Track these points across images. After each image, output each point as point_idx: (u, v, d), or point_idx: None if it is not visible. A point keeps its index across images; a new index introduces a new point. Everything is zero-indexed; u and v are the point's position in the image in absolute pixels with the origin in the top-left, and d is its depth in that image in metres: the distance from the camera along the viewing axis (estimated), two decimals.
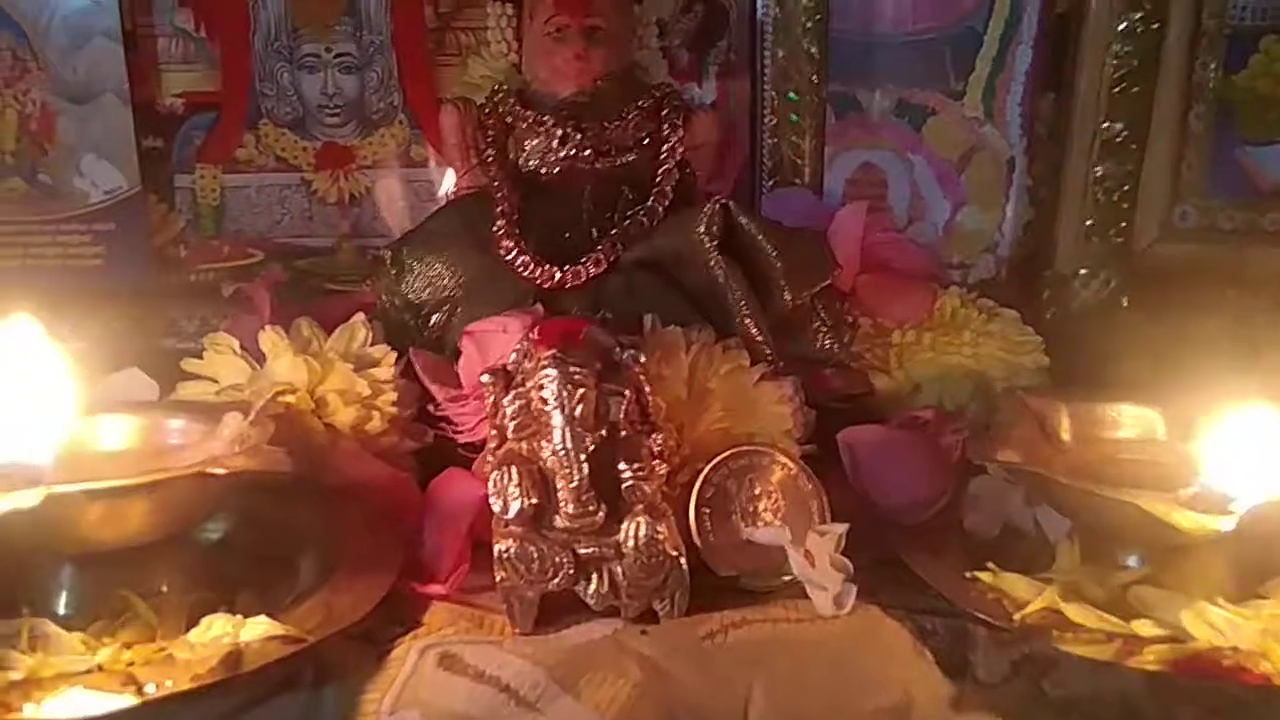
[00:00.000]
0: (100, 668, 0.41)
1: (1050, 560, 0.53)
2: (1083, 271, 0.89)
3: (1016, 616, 0.46)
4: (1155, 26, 0.85)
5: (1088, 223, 0.89)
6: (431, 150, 0.88)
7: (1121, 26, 0.86)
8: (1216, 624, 0.44)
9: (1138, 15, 0.85)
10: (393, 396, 0.59)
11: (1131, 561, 0.49)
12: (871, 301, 0.69)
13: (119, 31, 0.85)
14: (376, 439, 0.59)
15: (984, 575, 0.50)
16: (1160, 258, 0.91)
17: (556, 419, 0.49)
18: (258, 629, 0.43)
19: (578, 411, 0.49)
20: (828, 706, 0.44)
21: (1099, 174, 0.88)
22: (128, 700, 0.40)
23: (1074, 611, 0.46)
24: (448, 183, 0.84)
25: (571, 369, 0.49)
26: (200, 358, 0.63)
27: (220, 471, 0.45)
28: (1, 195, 0.88)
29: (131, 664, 0.42)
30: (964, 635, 0.47)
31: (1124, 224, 0.89)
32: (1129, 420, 0.56)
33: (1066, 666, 0.44)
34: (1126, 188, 0.88)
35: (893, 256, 0.72)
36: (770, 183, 0.88)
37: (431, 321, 0.65)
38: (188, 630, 0.44)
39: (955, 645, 0.47)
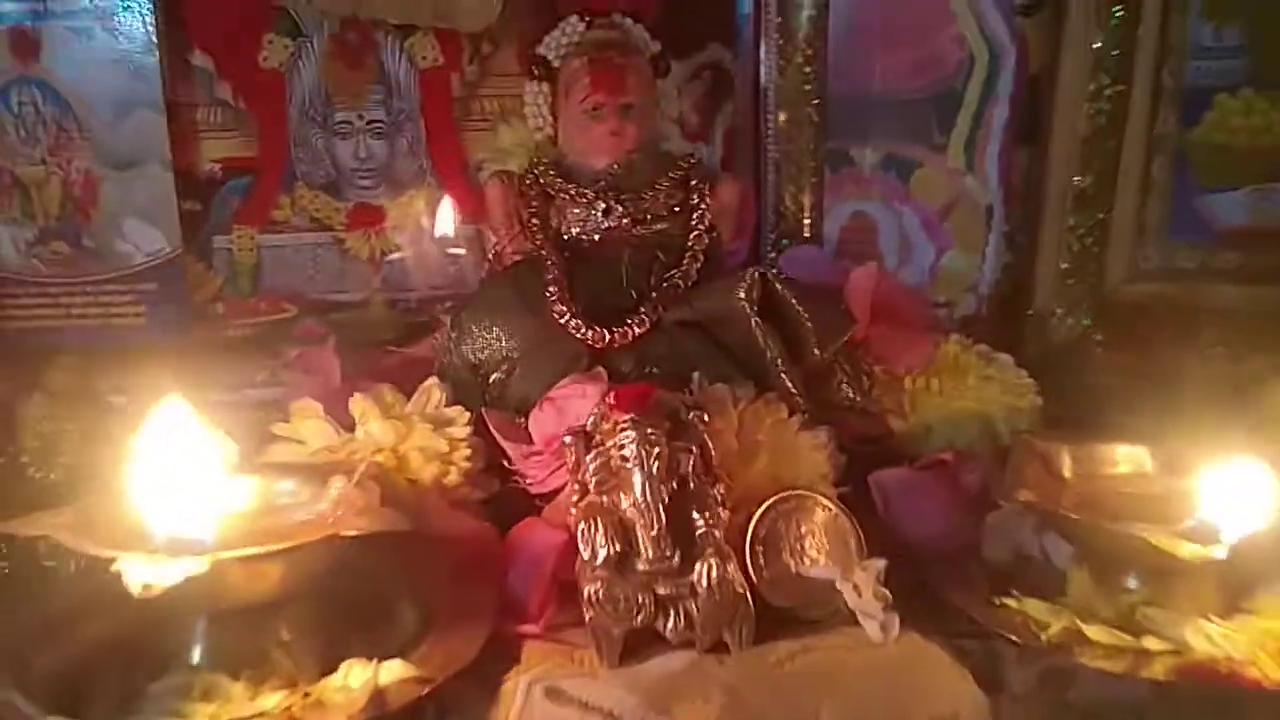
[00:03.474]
0: (264, 714, 0.47)
1: (1058, 583, 0.60)
2: (1059, 311, 0.98)
3: (1043, 636, 0.54)
4: (1120, 88, 0.94)
5: (1063, 266, 0.98)
6: (455, 209, 0.94)
7: (1090, 88, 0.94)
8: (1213, 638, 0.52)
9: (1107, 78, 0.94)
10: (468, 452, 0.65)
11: (1134, 585, 0.57)
12: (883, 351, 0.76)
13: (161, 103, 0.90)
14: (453, 491, 0.65)
15: (1009, 600, 0.57)
16: (1127, 296, 0.99)
17: (636, 476, 0.55)
18: (393, 671, 0.49)
19: (654, 468, 0.55)
20: (888, 716, 0.51)
21: (1071, 223, 0.97)
22: None
23: (1091, 631, 0.53)
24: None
25: (648, 430, 0.56)
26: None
27: (351, 534, 0.51)
28: (47, 258, 0.92)
29: (289, 708, 0.47)
30: (996, 654, 0.55)
31: (1096, 267, 0.98)
32: (1121, 458, 0.64)
33: (1086, 678, 0.52)
34: (1097, 234, 0.97)
35: (899, 308, 0.79)
36: (774, 235, 0.96)
37: (491, 380, 0.71)
38: (325, 677, 0.50)
39: (989, 663, 0.54)
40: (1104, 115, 0.95)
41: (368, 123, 0.94)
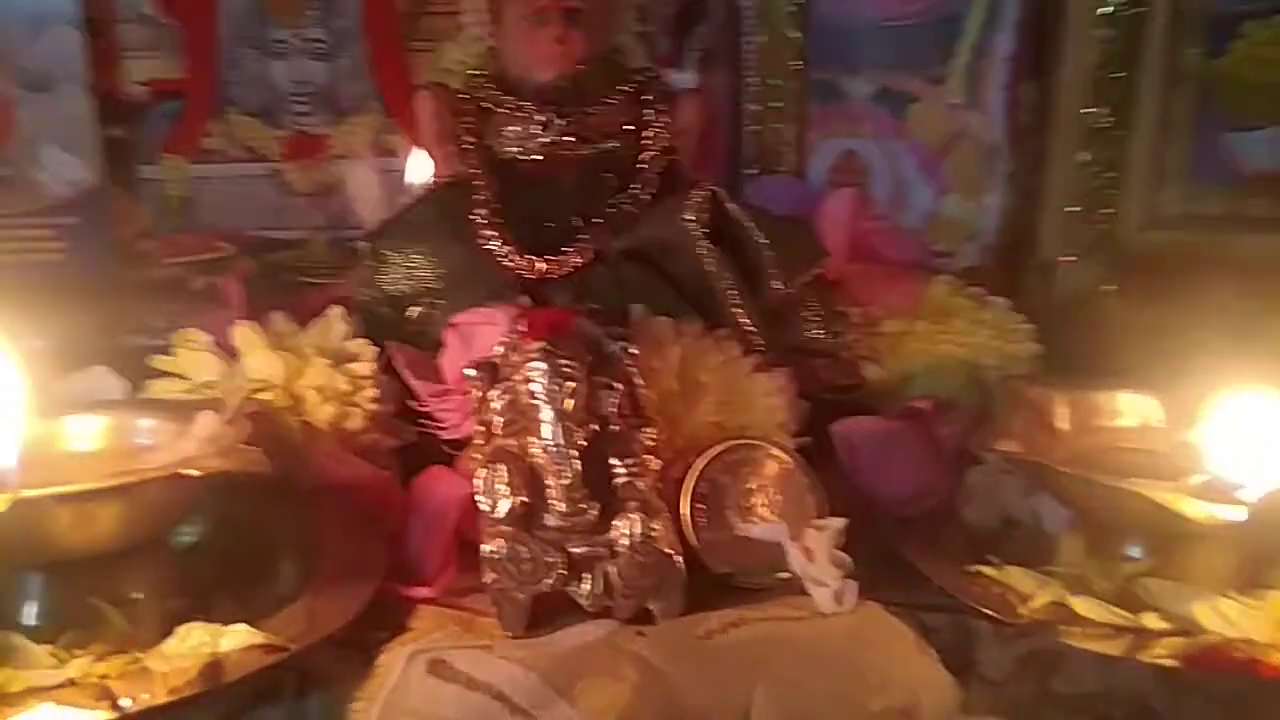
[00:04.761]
0: (72, 681, 0.39)
1: (1051, 552, 0.51)
2: (1067, 259, 0.89)
3: (1022, 611, 0.45)
4: (1137, 12, 0.85)
5: (1073, 210, 0.88)
6: (405, 138, 0.86)
7: (1103, 11, 0.85)
8: (1228, 615, 0.43)
9: (1119, 1, 0.84)
10: (373, 393, 0.57)
11: (1136, 552, 0.48)
12: (861, 290, 0.68)
13: (80, 17, 0.82)
14: (356, 436, 0.57)
15: (987, 569, 0.48)
16: (1144, 244, 0.90)
17: (546, 414, 0.47)
18: (237, 638, 0.41)
19: (568, 406, 0.47)
20: (832, 708, 0.42)
21: (1082, 161, 0.87)
22: (102, 715, 0.38)
23: (1081, 605, 0.45)
24: (421, 170, 0.83)
25: (561, 361, 0.47)
26: (170, 354, 0.60)
27: (195, 473, 0.43)
28: None
29: (105, 677, 0.39)
30: (968, 631, 0.46)
31: (1109, 210, 0.88)
32: (1127, 408, 0.55)
33: (1075, 662, 0.43)
34: (1111, 174, 0.88)
35: (881, 244, 0.70)
36: (753, 170, 0.87)
37: (410, 314, 0.63)
38: (163, 640, 0.42)
39: (960, 642, 0.46)
40: (1119, 42, 0.85)
41: (307, 42, 0.86)
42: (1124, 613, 0.44)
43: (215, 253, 0.89)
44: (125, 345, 0.87)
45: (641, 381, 0.50)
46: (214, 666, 0.40)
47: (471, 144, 0.67)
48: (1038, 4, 0.89)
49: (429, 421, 0.57)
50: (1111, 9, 0.85)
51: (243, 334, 0.56)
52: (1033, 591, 0.46)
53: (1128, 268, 0.89)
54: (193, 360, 0.57)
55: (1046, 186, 0.89)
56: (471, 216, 0.63)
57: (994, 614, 0.46)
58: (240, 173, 0.88)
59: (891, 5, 0.90)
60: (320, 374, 0.56)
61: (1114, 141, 0.87)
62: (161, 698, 0.38)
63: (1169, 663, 0.42)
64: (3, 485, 0.40)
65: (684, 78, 0.87)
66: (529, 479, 0.48)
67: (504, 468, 0.47)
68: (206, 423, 0.49)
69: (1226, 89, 0.89)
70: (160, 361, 0.58)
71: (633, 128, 0.67)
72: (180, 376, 0.57)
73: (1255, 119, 0.89)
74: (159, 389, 0.57)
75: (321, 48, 0.86)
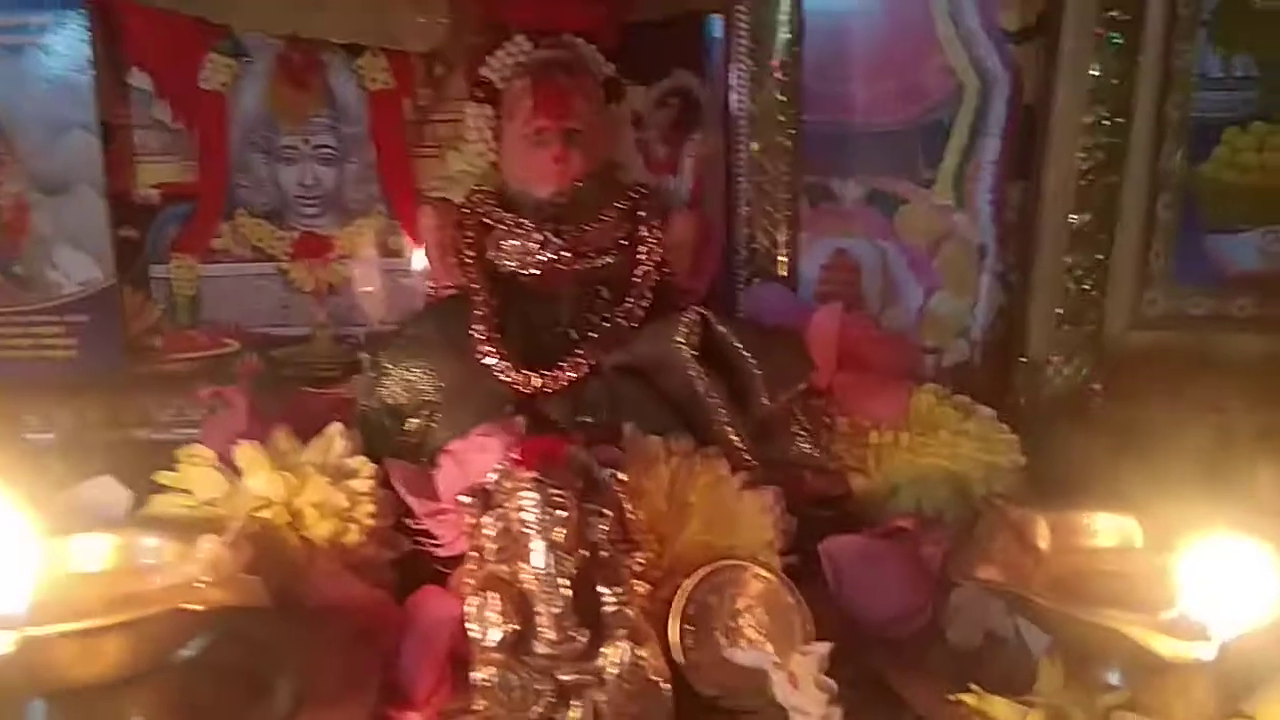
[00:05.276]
0: None
1: (1033, 670, 0.52)
2: (1055, 359, 0.91)
3: None
4: (1120, 121, 0.88)
5: (1059, 311, 0.90)
6: (408, 240, 0.89)
7: (1088, 120, 0.88)
8: None
9: (1105, 109, 0.87)
10: (370, 508, 0.59)
11: (1113, 679, 0.49)
12: (848, 400, 0.69)
13: (96, 123, 0.85)
14: (353, 551, 0.58)
15: (968, 697, 0.49)
16: (1130, 344, 0.92)
17: (537, 543, 0.49)
18: None
19: (558, 536, 0.49)
20: None
21: (1069, 263, 0.90)
22: None
23: None
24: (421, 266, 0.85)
25: (552, 492, 0.49)
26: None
27: (197, 608, 0.44)
28: None
29: None
30: None
31: (1095, 312, 0.90)
32: (1106, 529, 0.57)
33: None
34: (1096, 276, 0.90)
35: (869, 352, 0.72)
36: (745, 273, 0.90)
37: (409, 426, 0.65)
38: None
39: None
40: (1103, 149, 0.88)
41: (315, 148, 0.89)
42: None
43: (222, 349, 0.91)
44: (131, 438, 0.90)
45: (630, 506, 0.52)
46: None
47: (471, 258, 0.70)
48: (1023, 111, 0.92)
49: (424, 538, 0.58)
50: (1094, 118, 0.88)
51: (246, 454, 0.57)
52: None
53: (1113, 367, 0.91)
54: (197, 477, 0.58)
55: (1033, 287, 0.92)
56: (469, 331, 0.65)
57: None
58: (247, 271, 0.90)
59: (881, 111, 0.93)
60: (319, 491, 0.57)
61: (1098, 245, 0.90)
62: None
63: None
64: (11, 625, 0.42)
65: (679, 182, 0.89)
66: (520, 606, 0.49)
67: (496, 595, 0.49)
68: (208, 547, 0.50)
69: (1208, 193, 0.92)
70: (165, 477, 0.59)
71: (627, 243, 0.70)
72: (184, 491, 0.59)
73: (1237, 222, 0.92)
74: (162, 504, 0.59)
75: (329, 153, 0.89)
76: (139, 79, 0.86)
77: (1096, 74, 0.87)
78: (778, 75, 0.86)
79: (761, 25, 0.86)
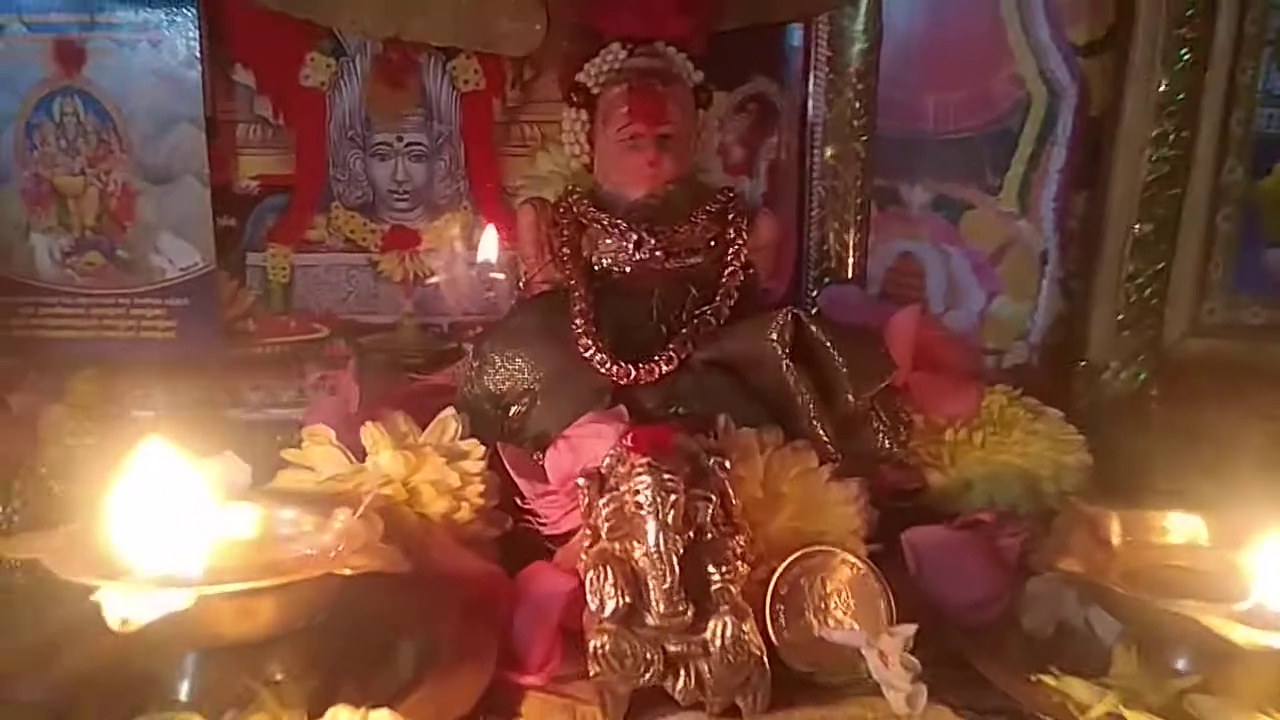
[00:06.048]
0: None
1: (1102, 658, 0.56)
2: (1114, 364, 0.94)
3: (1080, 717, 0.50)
4: (1186, 134, 0.90)
5: (1119, 317, 0.94)
6: (495, 238, 0.93)
7: (1154, 133, 0.91)
8: None
9: (1170, 123, 0.90)
10: (480, 488, 0.63)
11: (1184, 666, 0.53)
12: (924, 399, 0.73)
13: (201, 118, 0.89)
14: (464, 527, 0.62)
15: (1047, 678, 0.53)
16: (1188, 352, 0.95)
17: (650, 524, 0.52)
18: None
19: (670, 517, 0.52)
20: None
21: (1130, 271, 0.93)
22: None
23: (1135, 717, 0.49)
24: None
25: (665, 476, 0.53)
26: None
27: (348, 572, 0.49)
28: (81, 268, 0.92)
29: None
30: None
31: (1154, 319, 0.93)
32: (1175, 527, 0.60)
33: None
34: (1156, 285, 0.93)
35: (943, 353, 0.76)
36: (815, 273, 0.93)
37: (511, 413, 0.69)
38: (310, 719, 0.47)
39: None
40: (1167, 162, 0.91)
41: (407, 145, 0.93)
42: None
43: (312, 334, 0.95)
44: (224, 417, 0.95)
45: (732, 493, 0.55)
46: None
47: (568, 255, 0.73)
48: (1090, 121, 0.95)
49: (532, 517, 0.62)
50: (1159, 131, 0.91)
51: (371, 433, 0.62)
52: (1090, 702, 0.51)
53: (1171, 373, 0.94)
54: (320, 454, 0.62)
55: (1094, 293, 0.95)
56: (569, 324, 0.69)
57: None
58: (339, 262, 0.94)
59: (949, 120, 0.96)
60: (436, 470, 0.61)
61: (1159, 254, 0.93)
62: None
63: None
64: (188, 584, 0.46)
65: (755, 185, 0.93)
66: (631, 581, 0.53)
67: (610, 570, 0.53)
68: (344, 518, 0.54)
69: (1268, 207, 0.94)
70: (289, 454, 0.64)
71: (715, 244, 0.73)
72: (307, 468, 0.63)
73: None
74: (286, 479, 0.63)
75: (420, 150, 0.93)
76: (243, 76, 0.91)
77: (1163, 89, 0.90)
78: (854, 83, 0.89)
79: (839, 35, 0.90)
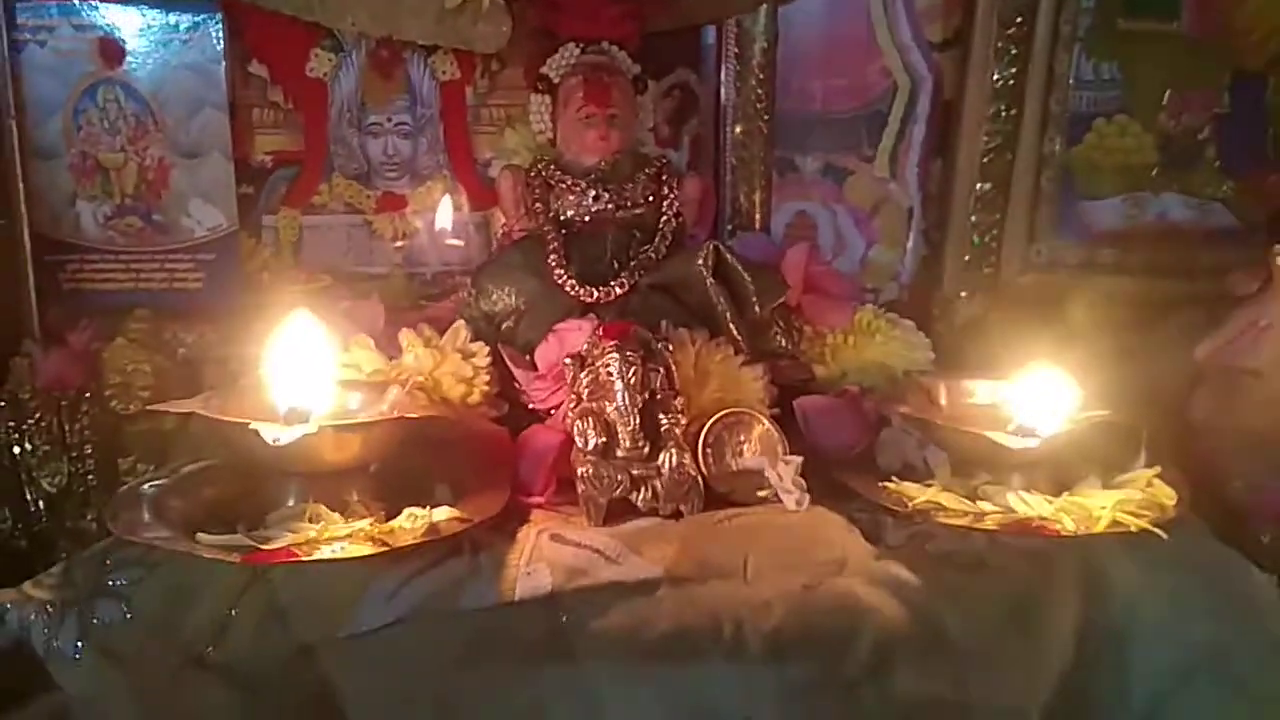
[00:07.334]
0: (354, 533, 0.65)
1: (931, 478, 0.80)
2: (963, 294, 1.17)
3: (910, 505, 0.74)
4: (1014, 112, 1.14)
5: (966, 259, 1.17)
6: (465, 198, 1.13)
7: (990, 111, 1.14)
8: (1028, 503, 0.72)
9: (1003, 104, 1.13)
10: (487, 378, 0.84)
11: (984, 475, 0.77)
12: (811, 313, 0.96)
13: (225, 103, 1.07)
14: (474, 408, 0.84)
15: (890, 484, 0.77)
16: (1021, 285, 1.18)
17: (618, 386, 0.75)
18: (443, 514, 0.68)
19: (632, 381, 0.75)
20: (794, 560, 0.70)
21: (974, 222, 1.16)
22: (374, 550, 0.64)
23: (945, 499, 0.73)
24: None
25: (628, 353, 0.75)
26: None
27: (413, 416, 0.70)
28: (122, 230, 1.07)
29: (373, 532, 0.66)
30: (879, 521, 0.74)
31: (993, 259, 1.17)
32: (981, 389, 0.84)
33: (941, 533, 0.72)
34: (995, 232, 1.17)
35: (826, 282, 0.99)
36: (730, 226, 1.16)
37: (502, 328, 0.90)
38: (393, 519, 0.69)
39: (873, 526, 0.74)
40: (1001, 135, 1.13)
41: (395, 124, 1.11)
42: (970, 503, 0.73)
43: (318, 284, 1.14)
44: (243, 354, 1.12)
45: (673, 367, 0.78)
46: (434, 527, 0.67)
47: (540, 208, 0.95)
48: (944, 104, 1.17)
49: (526, 398, 0.84)
50: (994, 110, 1.15)
51: (408, 337, 0.83)
52: (917, 495, 0.75)
53: (1008, 302, 1.17)
54: (363, 356, 0.83)
55: (947, 240, 1.18)
56: (544, 259, 0.91)
57: (894, 508, 0.74)
58: (339, 223, 1.11)
59: (834, 102, 1.19)
60: (454, 364, 0.83)
61: (997, 208, 1.15)
62: (408, 542, 0.65)
63: (994, 529, 0.70)
64: (308, 418, 0.67)
65: (681, 155, 1.15)
66: (605, 427, 0.75)
67: (591, 420, 0.75)
68: (393, 394, 0.76)
69: (1081, 169, 1.17)
70: (341, 356, 0.84)
71: (653, 199, 0.95)
72: (355, 367, 0.84)
73: (1102, 192, 1.18)
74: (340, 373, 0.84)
75: (406, 129, 1.12)
76: (258, 68, 1.07)
77: (997, 77, 1.12)
78: (757, 73, 1.11)
79: (745, 34, 1.10)
